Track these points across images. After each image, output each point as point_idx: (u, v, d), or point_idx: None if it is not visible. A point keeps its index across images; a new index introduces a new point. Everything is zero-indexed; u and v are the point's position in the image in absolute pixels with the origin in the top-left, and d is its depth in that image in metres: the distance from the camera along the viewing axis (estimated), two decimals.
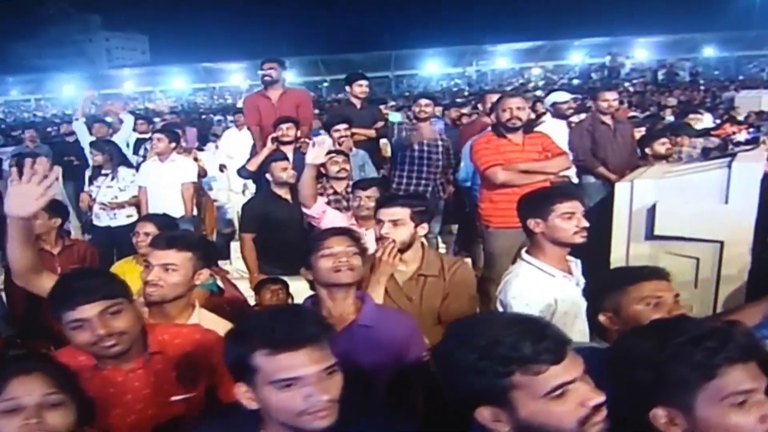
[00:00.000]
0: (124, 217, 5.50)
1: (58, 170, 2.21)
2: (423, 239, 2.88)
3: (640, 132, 6.14)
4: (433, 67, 47.05)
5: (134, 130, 7.85)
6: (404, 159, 5.32)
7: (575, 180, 5.61)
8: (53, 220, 4.02)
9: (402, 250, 2.69)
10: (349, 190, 4.26)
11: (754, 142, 5.89)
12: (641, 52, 40.58)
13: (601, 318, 1.96)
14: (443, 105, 11.32)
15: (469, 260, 5.81)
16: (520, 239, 2.76)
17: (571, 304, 2.40)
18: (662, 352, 1.25)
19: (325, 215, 3.94)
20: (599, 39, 42.05)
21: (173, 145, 5.68)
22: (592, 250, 3.41)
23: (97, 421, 1.68)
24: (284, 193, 4.61)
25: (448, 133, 5.96)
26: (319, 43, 63.60)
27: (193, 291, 2.46)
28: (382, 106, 8.03)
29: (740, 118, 10.17)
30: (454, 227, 6.15)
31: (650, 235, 3.51)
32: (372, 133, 5.97)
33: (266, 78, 5.73)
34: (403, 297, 2.70)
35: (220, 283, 3.64)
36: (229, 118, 14.94)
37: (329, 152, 4.62)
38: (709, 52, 41.06)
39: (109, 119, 8.15)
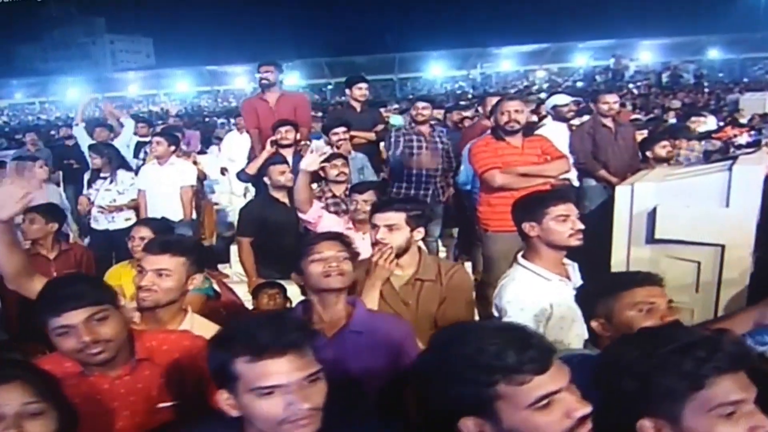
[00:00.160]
0: (122, 221, 5.48)
1: (44, 175, 2.20)
2: (421, 243, 2.87)
3: (642, 135, 6.10)
4: (437, 69, 47.17)
5: (135, 133, 7.84)
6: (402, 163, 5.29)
7: (576, 183, 5.58)
8: (50, 224, 4.00)
9: (398, 255, 2.67)
10: (348, 193, 4.24)
11: (755, 144, 5.86)
12: (645, 54, 40.63)
13: (594, 324, 1.93)
14: (446, 108, 11.31)
15: (469, 264, 5.80)
16: (518, 243, 2.74)
17: (567, 309, 2.37)
18: (650, 361, 1.22)
19: (322, 220, 3.91)
20: (603, 41, 42.18)
21: (172, 148, 5.67)
22: (593, 254, 3.40)
23: (83, 429, 1.66)
24: (282, 197, 4.59)
25: (450, 135, 5.92)
26: (324, 46, 63.70)
27: (186, 296, 2.44)
28: (382, 109, 8.02)
29: (744, 120, 10.14)
30: (455, 231, 6.12)
31: (651, 239, 3.49)
32: (372, 136, 5.95)
33: (263, 81, 5.72)
34: (399, 301, 2.68)
35: (216, 286, 3.62)
36: (232, 121, 14.96)
37: (328, 155, 4.62)
38: (714, 54, 41.07)
39: (112, 122, 8.14)
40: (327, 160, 4.53)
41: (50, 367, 1.83)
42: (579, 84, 37.04)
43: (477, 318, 4.05)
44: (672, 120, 10.53)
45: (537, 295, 2.47)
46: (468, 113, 8.67)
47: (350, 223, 3.86)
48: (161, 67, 57.11)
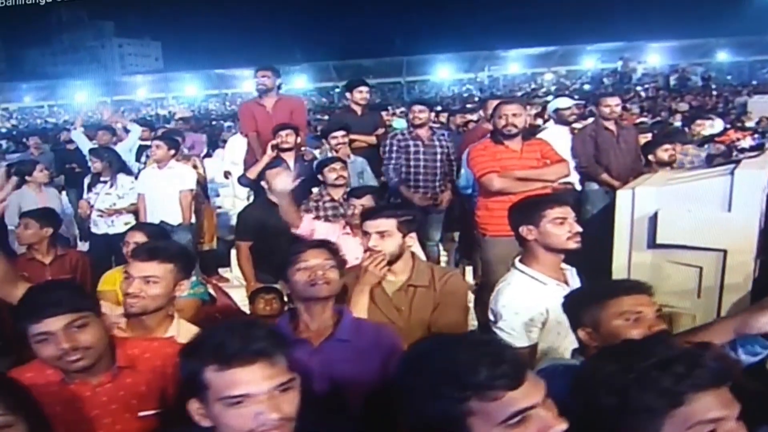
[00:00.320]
0: (122, 225, 5.43)
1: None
2: (417, 248, 2.83)
3: (646, 138, 6.04)
4: (444, 72, 47.16)
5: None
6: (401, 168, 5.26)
7: (578, 187, 5.52)
8: (44, 229, 3.96)
9: (391, 262, 2.64)
10: (346, 197, 4.20)
11: (759, 148, 5.79)
12: (653, 56, 40.45)
13: (581, 333, 1.88)
14: (451, 111, 11.27)
15: (470, 268, 5.76)
16: (516, 247, 2.70)
17: (564, 314, 2.33)
18: (628, 377, 1.17)
19: (315, 233, 3.83)
20: (611, 44, 42.03)
21: (172, 152, 5.65)
22: (594, 259, 3.36)
23: None
24: None
25: (453, 138, 5.87)
26: (331, 49, 63.95)
27: (173, 302, 2.42)
28: (386, 113, 7.98)
29: (752, 123, 10.05)
30: (456, 235, 6.07)
31: (652, 244, 3.45)
32: (372, 140, 5.92)
33: (260, 86, 5.69)
34: (392, 308, 2.65)
35: (212, 291, 3.60)
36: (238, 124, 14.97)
37: (327, 160, 4.59)
38: (722, 56, 40.86)
39: (117, 126, 8.15)
40: (325, 163, 4.51)
41: (32, 374, 1.83)
42: (586, 87, 36.93)
43: (475, 323, 4.03)
44: (678, 123, 10.45)
45: (533, 299, 2.44)
46: (474, 116, 8.63)
47: (347, 227, 3.82)
48: (170, 71, 57.42)
